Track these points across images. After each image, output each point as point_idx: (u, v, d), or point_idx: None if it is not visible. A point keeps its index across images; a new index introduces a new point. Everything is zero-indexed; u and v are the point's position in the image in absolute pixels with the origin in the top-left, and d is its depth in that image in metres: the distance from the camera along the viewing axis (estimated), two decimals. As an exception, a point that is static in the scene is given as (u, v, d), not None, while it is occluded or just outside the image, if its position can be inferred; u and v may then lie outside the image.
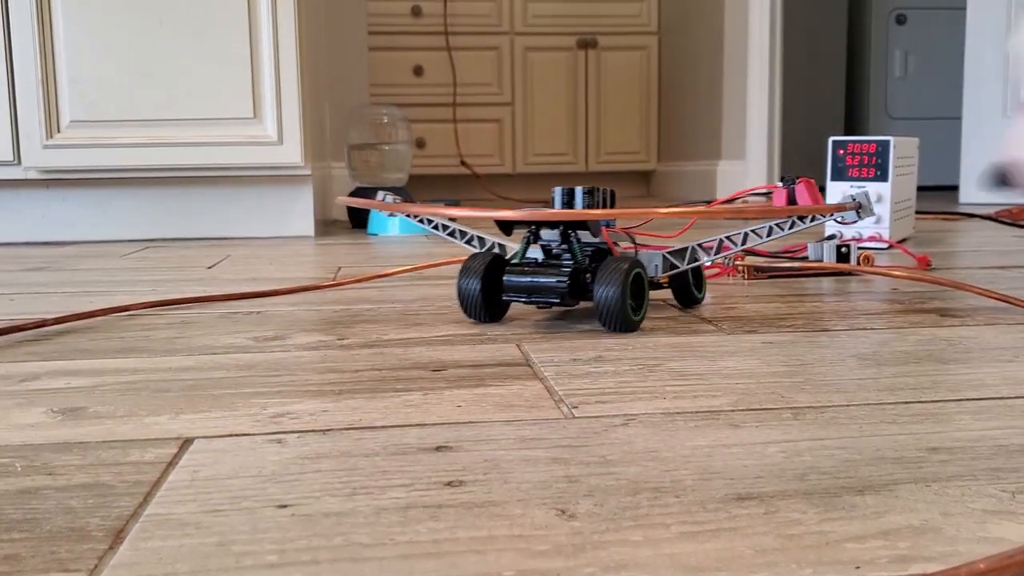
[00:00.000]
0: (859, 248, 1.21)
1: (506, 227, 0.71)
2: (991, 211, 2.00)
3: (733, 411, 0.44)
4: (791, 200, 0.70)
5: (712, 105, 3.15)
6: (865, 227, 1.28)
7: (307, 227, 1.64)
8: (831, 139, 1.29)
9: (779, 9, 2.92)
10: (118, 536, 0.31)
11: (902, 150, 1.32)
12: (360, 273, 1.05)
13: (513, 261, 0.69)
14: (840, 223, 0.91)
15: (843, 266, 0.94)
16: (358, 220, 1.87)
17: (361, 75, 2.21)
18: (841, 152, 1.30)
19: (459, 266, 1.10)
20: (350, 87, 2.20)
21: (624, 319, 0.65)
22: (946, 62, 4.40)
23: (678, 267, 0.73)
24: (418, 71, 3.69)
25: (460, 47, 3.71)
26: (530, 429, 0.42)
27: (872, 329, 0.65)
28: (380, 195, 0.83)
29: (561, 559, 0.28)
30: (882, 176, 1.26)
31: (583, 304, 0.79)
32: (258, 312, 0.77)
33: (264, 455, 0.39)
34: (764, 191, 0.82)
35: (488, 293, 0.70)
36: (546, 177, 3.83)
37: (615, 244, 0.72)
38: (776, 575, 0.27)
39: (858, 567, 0.27)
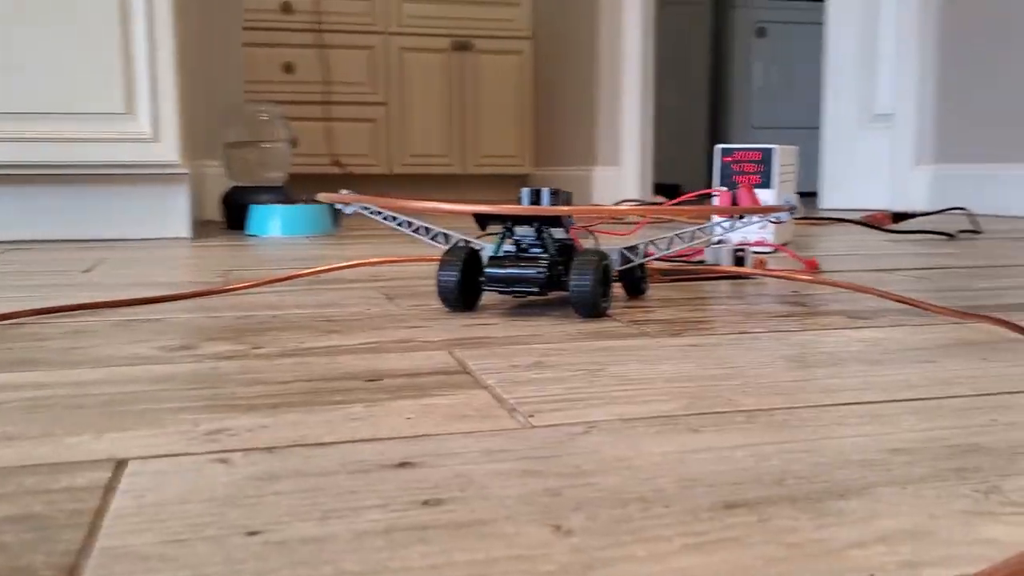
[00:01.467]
0: (752, 252, 1.24)
1: (482, 222, 0.76)
2: (856, 216, 2.10)
3: (687, 415, 0.44)
4: (734, 202, 0.74)
5: (587, 112, 3.19)
6: (751, 232, 1.32)
7: (183, 228, 1.57)
8: (718, 147, 1.32)
9: (651, 20, 2.99)
10: (71, 574, 0.28)
11: (784, 158, 1.37)
12: (253, 277, 1.01)
13: (493, 254, 0.76)
14: (773, 223, 0.94)
15: (756, 271, 0.96)
16: (235, 221, 1.80)
17: (235, 71, 2.13)
18: (728, 159, 1.33)
19: (347, 272, 1.07)
20: (222, 83, 2.12)
21: (596, 306, 0.71)
22: (803, 74, 4.60)
23: (633, 260, 0.81)
24: (288, 68, 3.60)
25: (332, 45, 3.64)
26: (492, 440, 0.41)
27: (788, 331, 0.67)
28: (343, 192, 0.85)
29: (572, 580, 0.27)
30: (766, 183, 1.30)
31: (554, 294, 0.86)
32: (156, 319, 0.73)
33: (212, 476, 0.36)
34: (710, 193, 0.86)
35: (465, 284, 0.75)
36: (423, 179, 3.80)
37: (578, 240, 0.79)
38: (796, 587, 0.26)
39: (872, 575, 0.27)
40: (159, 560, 0.28)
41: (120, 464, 0.38)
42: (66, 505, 0.33)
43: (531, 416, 0.44)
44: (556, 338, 0.64)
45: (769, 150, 1.31)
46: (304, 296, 0.86)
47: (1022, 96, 2.32)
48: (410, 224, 0.85)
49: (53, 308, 0.74)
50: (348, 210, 0.86)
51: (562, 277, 0.75)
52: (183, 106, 1.50)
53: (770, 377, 0.52)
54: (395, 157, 3.72)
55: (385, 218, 0.85)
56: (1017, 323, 0.64)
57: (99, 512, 0.32)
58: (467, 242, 0.84)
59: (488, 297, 0.85)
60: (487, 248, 0.80)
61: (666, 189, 4.02)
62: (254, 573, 0.27)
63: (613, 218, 1.34)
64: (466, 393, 0.49)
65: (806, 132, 4.52)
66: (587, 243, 1.04)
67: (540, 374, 0.53)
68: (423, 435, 0.41)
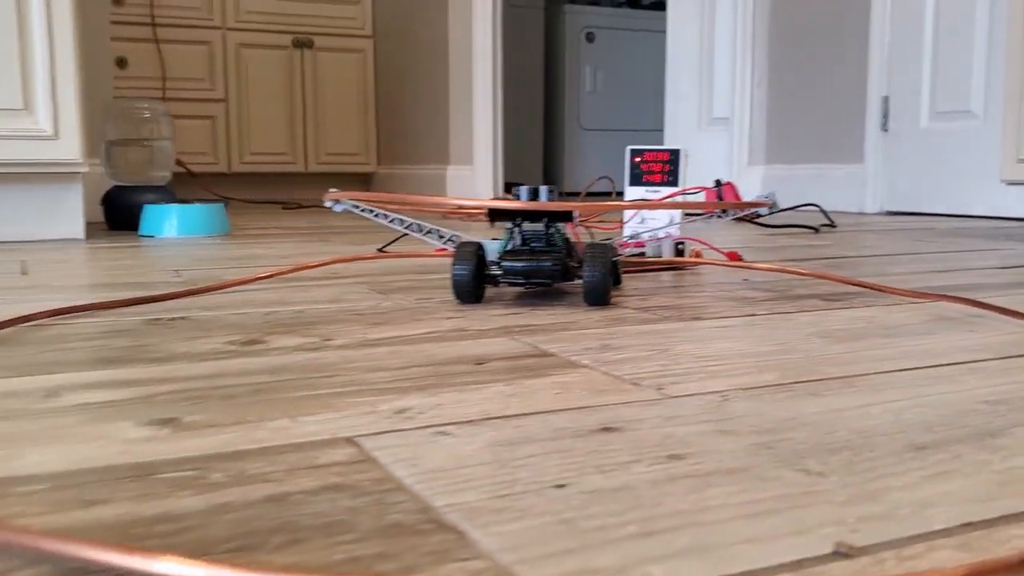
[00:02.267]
0: (680, 245, 1.33)
1: (493, 217, 0.81)
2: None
3: (795, 383, 0.51)
4: (719, 198, 0.81)
5: (438, 113, 3.24)
6: (660, 228, 1.42)
7: (77, 229, 1.51)
8: (628, 148, 1.41)
9: (499, 27, 3.08)
10: (452, 528, 0.31)
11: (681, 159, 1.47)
12: (206, 277, 1.00)
13: (505, 249, 0.80)
14: (752, 219, 1.02)
15: (732, 263, 1.05)
16: (117, 221, 1.74)
17: (104, 66, 2.04)
18: (637, 160, 1.43)
19: (305, 272, 1.08)
20: (91, 78, 2.03)
21: (607, 295, 0.77)
22: (631, 78, 4.82)
23: (622, 254, 0.85)
24: (121, 63, 3.44)
25: (168, 40, 3.51)
26: (654, 408, 0.46)
27: (786, 313, 0.75)
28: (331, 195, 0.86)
29: (873, 504, 0.33)
30: (673, 181, 1.40)
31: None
32: (181, 318, 0.73)
33: (455, 446, 0.39)
34: (695, 190, 0.92)
35: (477, 277, 0.79)
36: (265, 177, 3.73)
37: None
38: (1042, 498, 0.33)
39: (1083, 487, 0.34)
40: (515, 511, 0.32)
41: (350, 441, 0.40)
42: (357, 476, 0.36)
43: (660, 388, 0.50)
44: (594, 324, 0.70)
45: (676, 151, 1.41)
46: (298, 293, 0.87)
47: (843, 103, 2.56)
48: (403, 222, 0.88)
49: (67, 309, 0.73)
50: (338, 208, 0.88)
51: (571, 269, 0.80)
52: (84, 102, 1.43)
53: (821, 351, 0.60)
54: (235, 155, 3.64)
55: (376, 215, 0.87)
56: (971, 299, 0.75)
57: (394, 479, 0.35)
58: (456, 237, 0.88)
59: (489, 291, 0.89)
60: (489, 244, 0.84)
61: (512, 188, 4.13)
62: (608, 515, 0.32)
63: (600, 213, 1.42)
64: (578, 372, 0.54)
65: (634, 134, 4.74)
66: (583, 237, 1.12)
67: (619, 355, 0.59)
68: (588, 406, 0.46)
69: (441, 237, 0.88)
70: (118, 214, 1.73)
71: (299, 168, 3.72)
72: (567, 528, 0.31)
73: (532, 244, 0.82)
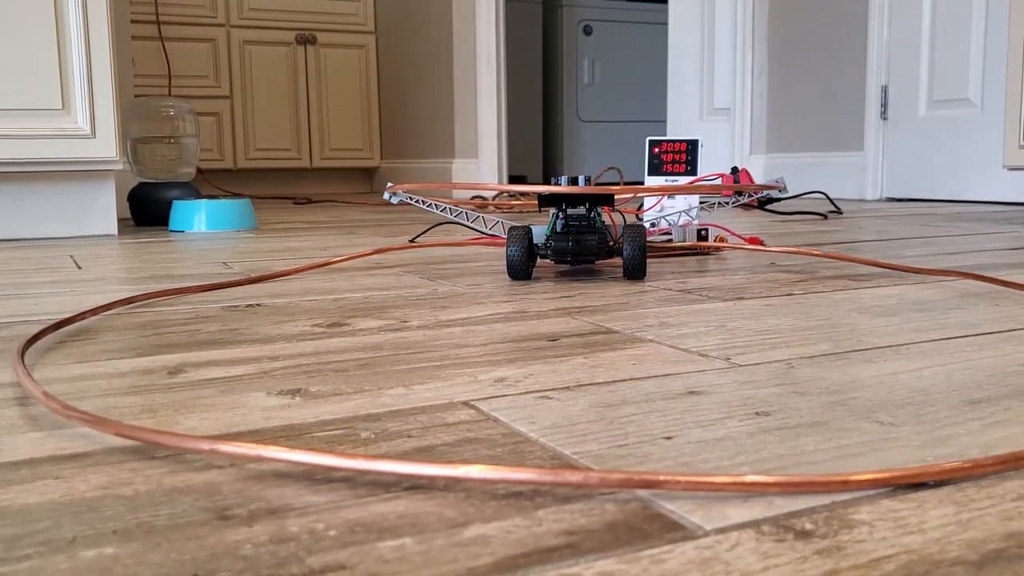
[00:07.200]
0: (704, 231, 1.38)
1: (542, 201, 0.90)
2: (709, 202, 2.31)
3: (847, 352, 0.56)
4: (736, 183, 0.88)
5: (442, 107, 3.27)
6: (679, 215, 1.47)
7: (110, 225, 1.55)
8: (647, 139, 1.46)
9: (502, 23, 3.12)
10: (589, 469, 0.36)
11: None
12: (254, 267, 1.05)
13: (552, 231, 0.89)
14: (764, 206, 1.06)
15: (757, 247, 1.10)
16: (143, 217, 1.78)
17: (125, 64, 2.08)
18: (656, 150, 1.48)
19: (345, 262, 1.13)
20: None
21: (644, 269, 0.88)
22: (627, 70, 4.87)
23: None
24: (126, 61, 3.47)
25: (173, 37, 3.55)
26: (727, 375, 0.51)
27: (822, 292, 0.80)
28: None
29: (944, 447, 0.38)
30: (691, 171, 1.45)
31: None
32: (256, 304, 0.77)
33: (560, 408, 0.44)
34: (713, 176, 0.98)
35: (529, 257, 0.88)
36: (270, 172, 3.77)
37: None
38: (1091, 439, 0.38)
39: (1124, 430, 0.40)
40: (637, 457, 0.37)
41: (467, 404, 0.45)
42: (486, 431, 0.41)
43: (728, 359, 0.55)
44: (645, 304, 0.75)
45: (694, 141, 1.46)
46: (351, 281, 0.92)
47: (843, 92, 2.61)
48: (451, 211, 0.92)
49: (137, 297, 0.77)
50: (395, 199, 0.92)
51: (611, 248, 0.89)
52: (120, 101, 1.48)
53: (864, 324, 0.65)
54: (240, 151, 3.68)
55: (428, 205, 0.92)
56: (991, 277, 0.80)
57: (519, 434, 0.40)
58: (503, 223, 0.94)
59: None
60: (535, 228, 0.91)
61: (515, 180, 4.17)
62: (719, 459, 0.37)
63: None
64: (647, 346, 0.59)
65: (632, 126, 4.80)
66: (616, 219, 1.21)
67: (679, 331, 0.64)
68: (668, 374, 0.51)
69: (487, 223, 0.93)
70: (145, 210, 1.77)
71: (303, 163, 3.76)
72: (688, 469, 0.36)
73: (576, 226, 0.89)
